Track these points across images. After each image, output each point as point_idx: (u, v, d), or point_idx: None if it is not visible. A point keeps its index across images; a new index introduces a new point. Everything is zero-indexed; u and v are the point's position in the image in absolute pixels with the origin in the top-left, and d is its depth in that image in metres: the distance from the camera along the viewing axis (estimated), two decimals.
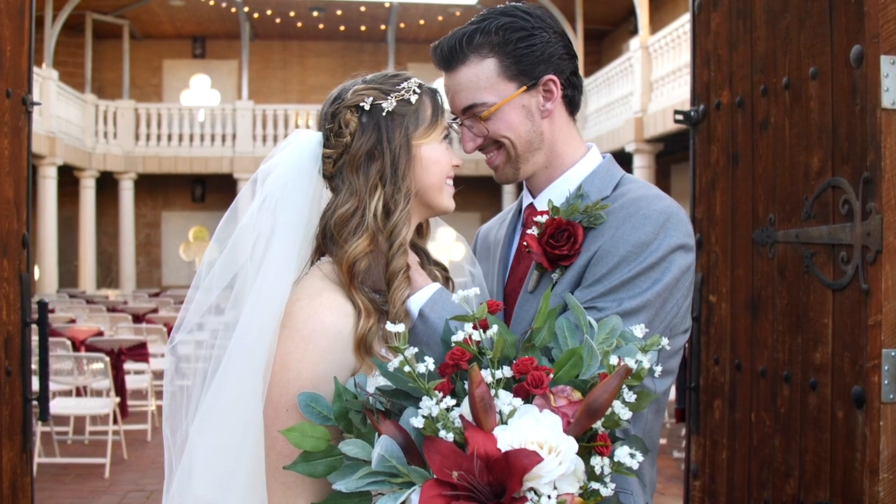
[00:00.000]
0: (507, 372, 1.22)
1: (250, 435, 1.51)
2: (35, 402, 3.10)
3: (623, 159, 14.72)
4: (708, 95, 3.06)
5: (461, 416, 1.17)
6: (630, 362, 1.23)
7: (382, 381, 1.35)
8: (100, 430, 7.92)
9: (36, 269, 17.78)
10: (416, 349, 1.28)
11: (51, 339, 8.14)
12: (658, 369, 1.33)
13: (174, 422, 1.63)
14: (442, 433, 1.16)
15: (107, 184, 20.10)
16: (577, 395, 1.22)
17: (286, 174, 1.63)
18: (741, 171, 2.83)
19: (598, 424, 1.20)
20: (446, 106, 1.76)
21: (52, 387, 7.45)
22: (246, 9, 20.88)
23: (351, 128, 1.63)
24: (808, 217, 2.44)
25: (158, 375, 8.79)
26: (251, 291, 1.56)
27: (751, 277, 2.76)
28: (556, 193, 1.80)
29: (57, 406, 7.17)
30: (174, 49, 23.35)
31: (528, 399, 1.20)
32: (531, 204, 1.88)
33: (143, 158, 20.07)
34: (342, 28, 22.32)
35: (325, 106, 1.69)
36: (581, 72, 1.86)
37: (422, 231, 1.80)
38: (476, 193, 20.42)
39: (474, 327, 1.29)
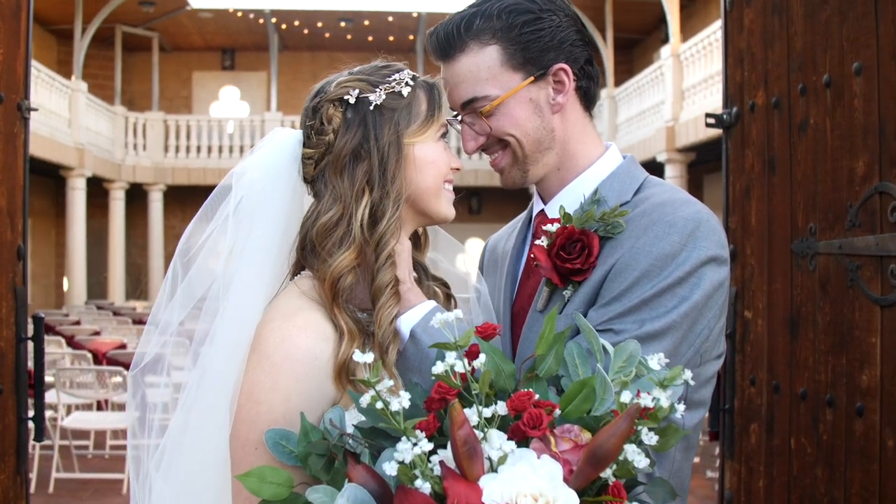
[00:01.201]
0: (501, 409, 1.03)
1: (216, 478, 1.32)
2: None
3: (654, 169, 14.48)
4: (741, 97, 2.88)
5: (441, 463, 0.97)
6: (646, 399, 1.03)
7: (364, 417, 1.15)
8: (120, 444, 7.81)
9: (65, 281, 17.88)
10: (392, 382, 1.08)
11: (73, 352, 8.12)
12: (681, 408, 1.10)
13: (138, 464, 1.45)
14: (419, 482, 0.96)
15: (136, 195, 20.21)
16: (586, 436, 1.02)
17: (263, 176, 1.45)
18: (778, 177, 2.65)
19: (607, 473, 0.99)
20: (445, 102, 1.56)
21: (73, 400, 7.36)
22: (274, 20, 20.95)
23: (334, 124, 1.43)
24: (852, 226, 2.26)
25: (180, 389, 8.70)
26: (220, 311, 1.38)
27: (789, 292, 2.58)
28: (569, 198, 1.59)
29: (77, 420, 7.08)
30: (203, 61, 23.49)
31: (525, 442, 1.00)
32: (542, 211, 1.66)
33: (173, 170, 20.17)
34: (370, 38, 22.28)
35: (307, 101, 1.50)
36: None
37: (419, 243, 1.60)
38: (508, 203, 20.21)
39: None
